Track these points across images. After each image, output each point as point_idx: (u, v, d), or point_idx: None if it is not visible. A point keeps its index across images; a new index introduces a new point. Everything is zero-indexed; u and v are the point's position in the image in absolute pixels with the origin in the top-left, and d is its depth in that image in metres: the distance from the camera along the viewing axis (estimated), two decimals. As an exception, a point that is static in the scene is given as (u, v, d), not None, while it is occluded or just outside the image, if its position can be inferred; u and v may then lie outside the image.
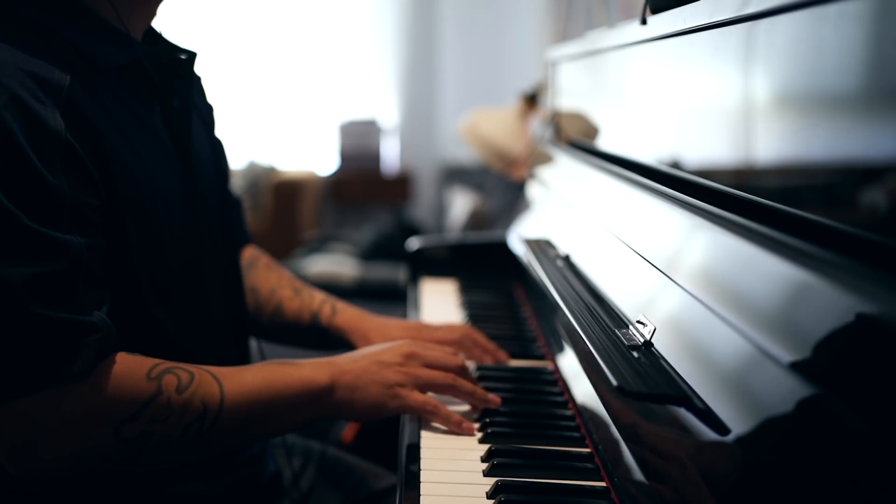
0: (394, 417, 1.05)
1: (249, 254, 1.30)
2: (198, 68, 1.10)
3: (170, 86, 1.03)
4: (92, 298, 0.86)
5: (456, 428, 0.98)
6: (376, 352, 1.03)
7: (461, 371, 1.04)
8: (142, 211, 0.94)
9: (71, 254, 0.83)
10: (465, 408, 1.05)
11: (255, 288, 1.27)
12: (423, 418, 1.00)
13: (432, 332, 1.23)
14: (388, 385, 0.99)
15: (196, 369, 0.91)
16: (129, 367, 0.87)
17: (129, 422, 0.86)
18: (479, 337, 1.24)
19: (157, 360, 0.90)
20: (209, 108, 1.16)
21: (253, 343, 1.20)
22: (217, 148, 1.16)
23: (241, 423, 0.93)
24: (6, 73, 0.83)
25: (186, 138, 1.03)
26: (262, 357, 1.13)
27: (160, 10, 1.03)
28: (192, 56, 1.07)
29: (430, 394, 1.02)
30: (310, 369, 0.97)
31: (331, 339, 1.27)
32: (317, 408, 0.97)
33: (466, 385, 1.02)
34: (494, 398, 1.03)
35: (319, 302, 1.28)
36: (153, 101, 1.01)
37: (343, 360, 1.00)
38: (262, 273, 1.29)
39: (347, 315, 1.27)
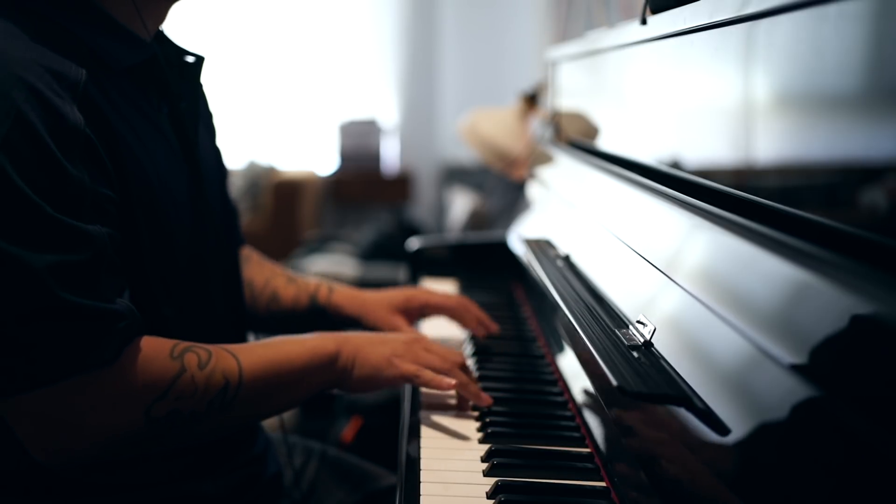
0: (394, 417, 1.06)
1: (243, 252, 1.31)
2: (204, 73, 1.10)
3: (178, 88, 1.03)
4: (114, 286, 0.88)
5: (446, 386, 1.02)
6: (382, 333, 1.10)
7: (459, 364, 1.07)
8: (153, 209, 0.95)
9: (94, 243, 0.84)
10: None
11: (250, 280, 1.29)
12: (414, 383, 1.05)
13: (429, 296, 1.31)
14: (386, 356, 1.04)
15: (212, 347, 0.94)
16: (154, 348, 0.90)
17: (158, 401, 0.88)
18: (473, 306, 1.31)
19: (175, 341, 0.92)
20: (210, 115, 1.17)
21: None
22: (217, 154, 1.17)
23: (259, 394, 0.96)
24: (25, 68, 0.83)
25: (193, 140, 1.04)
26: None
27: (171, 12, 1.03)
28: (199, 60, 1.08)
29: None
30: (316, 339, 1.03)
31: (330, 319, 1.30)
32: (324, 375, 1.01)
33: (461, 376, 1.05)
34: (486, 397, 1.05)
35: (315, 285, 1.32)
36: (161, 103, 1.01)
37: (348, 333, 1.06)
38: (255, 267, 1.32)
39: (345, 292, 1.32)
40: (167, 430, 0.90)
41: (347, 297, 1.30)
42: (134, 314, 0.88)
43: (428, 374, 1.03)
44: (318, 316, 1.30)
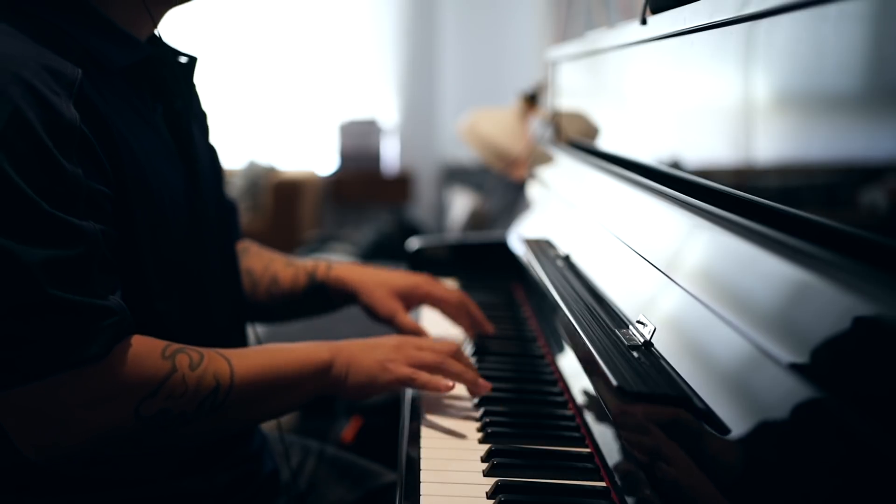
0: (395, 417, 1.06)
1: (241, 245, 1.32)
2: (197, 73, 1.10)
3: (173, 87, 1.04)
4: (106, 283, 0.88)
5: (442, 388, 1.02)
6: (372, 338, 1.08)
7: (453, 352, 1.07)
8: (150, 205, 0.95)
9: (87, 239, 0.85)
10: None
11: (250, 269, 1.30)
12: (410, 386, 1.04)
13: (432, 287, 1.30)
14: (379, 361, 1.03)
15: (204, 350, 0.95)
16: (145, 347, 0.90)
17: (148, 399, 0.89)
18: (472, 306, 1.31)
19: (167, 342, 0.93)
20: (204, 115, 1.18)
21: (251, 339, 1.21)
22: (212, 153, 1.17)
23: (250, 399, 0.96)
24: (22, 65, 0.84)
25: (188, 139, 1.05)
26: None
27: (168, 14, 1.04)
28: (192, 60, 1.08)
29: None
30: (310, 347, 1.03)
31: (331, 294, 1.30)
32: (317, 382, 1.01)
33: (455, 366, 1.05)
34: (484, 383, 1.05)
35: (313, 264, 1.32)
36: (156, 103, 1.02)
37: (340, 342, 1.06)
38: (255, 256, 1.33)
39: (345, 267, 1.32)
40: (157, 429, 0.90)
41: (348, 270, 1.30)
42: (125, 311, 0.88)
43: (424, 377, 1.03)
44: (318, 293, 1.30)
